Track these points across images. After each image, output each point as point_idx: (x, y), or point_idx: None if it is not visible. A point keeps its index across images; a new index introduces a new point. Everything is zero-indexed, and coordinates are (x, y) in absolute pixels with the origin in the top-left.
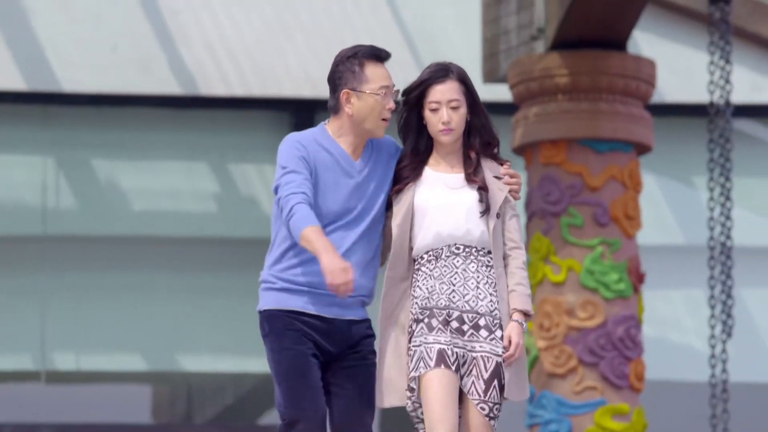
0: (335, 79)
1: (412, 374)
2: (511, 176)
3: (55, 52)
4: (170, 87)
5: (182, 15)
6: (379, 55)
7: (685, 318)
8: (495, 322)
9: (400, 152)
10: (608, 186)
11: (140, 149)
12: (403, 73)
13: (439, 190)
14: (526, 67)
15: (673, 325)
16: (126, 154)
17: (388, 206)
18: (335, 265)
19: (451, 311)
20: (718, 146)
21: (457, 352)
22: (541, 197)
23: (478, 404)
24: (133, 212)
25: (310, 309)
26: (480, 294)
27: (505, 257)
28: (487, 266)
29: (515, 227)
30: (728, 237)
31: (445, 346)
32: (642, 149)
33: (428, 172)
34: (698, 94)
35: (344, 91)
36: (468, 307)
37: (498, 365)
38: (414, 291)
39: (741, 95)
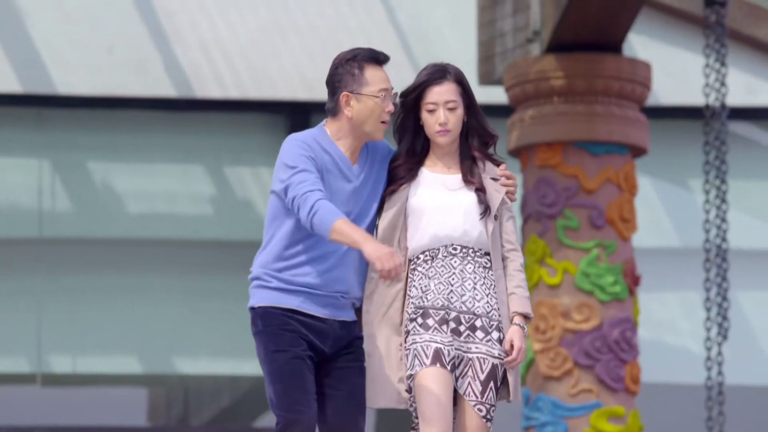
0: (334, 82)
1: (408, 372)
2: (508, 177)
3: (50, 55)
4: (165, 89)
5: (177, 17)
6: (378, 58)
7: (680, 320)
8: (491, 323)
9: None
10: (604, 188)
11: (136, 151)
12: (398, 74)
13: (436, 191)
14: (521, 70)
15: (669, 328)
16: (121, 157)
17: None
18: (382, 251)
19: (448, 312)
20: (714, 149)
21: (453, 353)
22: (536, 199)
23: (475, 405)
24: (129, 215)
25: (307, 308)
26: (477, 295)
27: (503, 259)
28: (484, 267)
29: (512, 229)
30: (724, 239)
31: (441, 345)
32: (637, 152)
33: (425, 173)
34: (694, 97)
35: (344, 93)
36: (465, 308)
37: (494, 367)
38: (410, 291)
39: (736, 98)
